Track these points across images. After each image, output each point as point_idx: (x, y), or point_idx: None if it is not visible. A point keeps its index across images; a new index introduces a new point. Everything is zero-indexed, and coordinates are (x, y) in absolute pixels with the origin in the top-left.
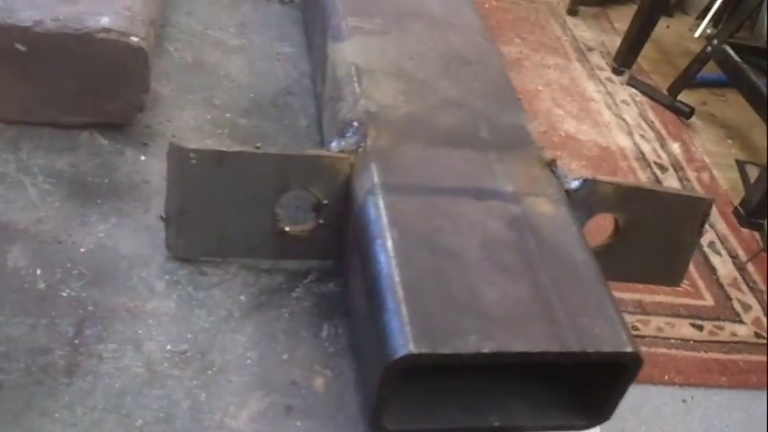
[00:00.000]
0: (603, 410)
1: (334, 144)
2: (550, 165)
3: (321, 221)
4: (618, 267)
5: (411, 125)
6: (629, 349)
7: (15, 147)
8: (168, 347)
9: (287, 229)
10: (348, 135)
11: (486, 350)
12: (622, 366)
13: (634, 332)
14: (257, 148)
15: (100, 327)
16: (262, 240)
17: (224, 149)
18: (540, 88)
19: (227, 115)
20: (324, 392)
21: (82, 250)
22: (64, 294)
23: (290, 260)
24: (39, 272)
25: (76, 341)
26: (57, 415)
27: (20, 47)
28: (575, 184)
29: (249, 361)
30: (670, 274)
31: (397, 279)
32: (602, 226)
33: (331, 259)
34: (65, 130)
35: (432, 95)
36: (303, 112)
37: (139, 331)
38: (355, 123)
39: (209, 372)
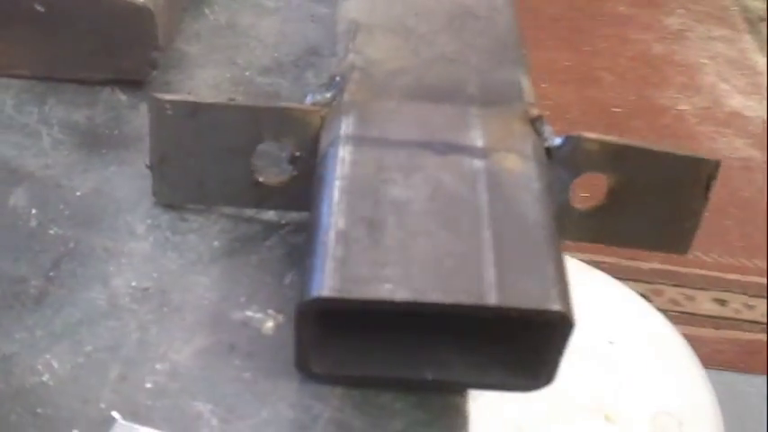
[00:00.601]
0: (542, 374)
1: (308, 98)
2: (535, 121)
3: (296, 173)
4: (614, 230)
5: (394, 79)
6: (555, 307)
7: (41, 101)
8: (133, 284)
9: (261, 179)
10: (328, 89)
11: (398, 298)
12: (552, 326)
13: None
14: (231, 99)
15: (76, 262)
16: (239, 190)
17: (197, 100)
18: (704, 62)
19: (247, 73)
20: (271, 335)
21: (78, 194)
22: (51, 232)
23: (271, 210)
24: (34, 211)
25: (51, 273)
26: (17, 336)
27: (38, 7)
28: (557, 141)
29: (206, 301)
30: (675, 241)
31: (331, 228)
32: (602, 186)
33: (308, 211)
34: (89, 87)
35: (426, 50)
36: (325, 70)
37: (111, 268)
38: (337, 78)
39: (165, 309)
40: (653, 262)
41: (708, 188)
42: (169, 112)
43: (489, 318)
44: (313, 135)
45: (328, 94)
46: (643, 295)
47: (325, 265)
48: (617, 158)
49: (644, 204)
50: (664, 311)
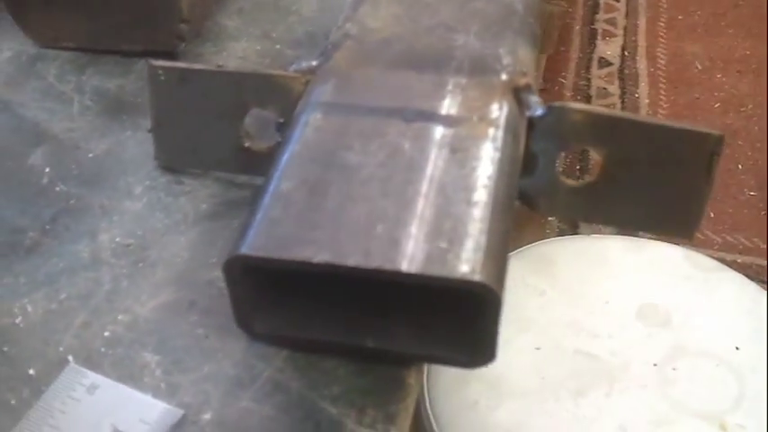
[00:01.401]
0: (480, 350)
1: (293, 65)
2: (520, 90)
3: (280, 140)
4: (607, 209)
5: (384, 48)
6: (476, 278)
7: (81, 71)
8: (117, 240)
9: (248, 145)
10: (317, 57)
11: (316, 260)
12: (478, 298)
13: None
14: (219, 66)
15: (72, 218)
16: (227, 155)
17: (185, 66)
18: None
19: (277, 46)
20: None
21: (90, 155)
22: (57, 189)
23: (262, 176)
24: (47, 170)
25: (48, 227)
26: (4, 281)
27: None
28: (539, 112)
29: (179, 260)
30: (677, 223)
31: (274, 189)
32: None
33: None
34: (127, 58)
35: (427, 19)
36: None
37: (102, 225)
38: (329, 46)
39: (141, 264)
40: None
41: (711, 166)
42: (162, 78)
43: (416, 286)
44: (295, 101)
45: (314, 62)
46: None
47: (258, 225)
48: (605, 131)
49: (639, 182)
50: None
